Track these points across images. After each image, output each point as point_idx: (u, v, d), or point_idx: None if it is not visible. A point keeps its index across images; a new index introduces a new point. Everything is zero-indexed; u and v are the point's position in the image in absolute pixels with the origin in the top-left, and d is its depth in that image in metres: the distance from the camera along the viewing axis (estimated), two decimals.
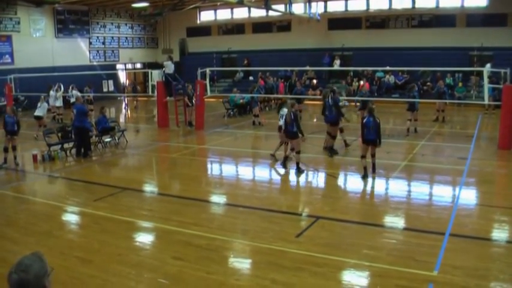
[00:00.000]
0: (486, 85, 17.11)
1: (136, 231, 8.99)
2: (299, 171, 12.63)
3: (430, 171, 13.28)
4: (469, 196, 10.95)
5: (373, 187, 11.79)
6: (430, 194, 11.20)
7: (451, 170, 13.08)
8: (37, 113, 19.55)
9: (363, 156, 11.99)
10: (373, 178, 11.98)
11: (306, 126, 20.58)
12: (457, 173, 12.59)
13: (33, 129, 19.56)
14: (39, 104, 19.72)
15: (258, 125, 21.27)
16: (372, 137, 11.73)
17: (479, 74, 25.12)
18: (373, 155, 11.99)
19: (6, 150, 14.31)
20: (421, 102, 22.35)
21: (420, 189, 11.55)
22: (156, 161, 16.03)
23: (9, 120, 14.43)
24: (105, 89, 34.81)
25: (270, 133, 18.87)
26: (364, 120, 11.88)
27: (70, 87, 24.93)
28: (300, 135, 12.77)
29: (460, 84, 27.69)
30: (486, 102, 18.70)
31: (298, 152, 12.73)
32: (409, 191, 11.50)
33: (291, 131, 12.68)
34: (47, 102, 21.54)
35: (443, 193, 11.19)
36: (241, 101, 24.42)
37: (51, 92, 23.39)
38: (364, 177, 11.92)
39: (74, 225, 9.65)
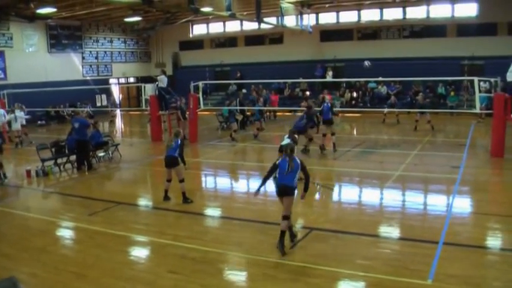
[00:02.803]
0: (477, 94, 17.23)
1: (131, 245, 8.97)
2: (187, 201, 11.39)
3: (423, 180, 13.33)
4: (462, 204, 11.00)
5: (367, 197, 11.83)
6: (424, 203, 11.25)
7: (444, 179, 13.11)
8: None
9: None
10: None
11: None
12: (451, 181, 12.63)
13: (27, 144, 19.66)
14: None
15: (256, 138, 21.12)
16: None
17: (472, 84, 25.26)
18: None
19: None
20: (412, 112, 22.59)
21: (414, 199, 11.61)
22: (150, 174, 16.01)
23: None
24: (98, 104, 34.83)
25: (265, 145, 18.89)
26: None
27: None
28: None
29: (452, 93, 27.87)
30: (478, 111, 18.83)
31: (182, 181, 11.48)
32: (403, 201, 11.55)
33: (172, 156, 11.44)
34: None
35: (436, 202, 11.23)
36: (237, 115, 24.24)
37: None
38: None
39: (68, 240, 9.61)
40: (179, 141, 11.52)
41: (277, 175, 8.30)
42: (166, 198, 11.67)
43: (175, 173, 11.50)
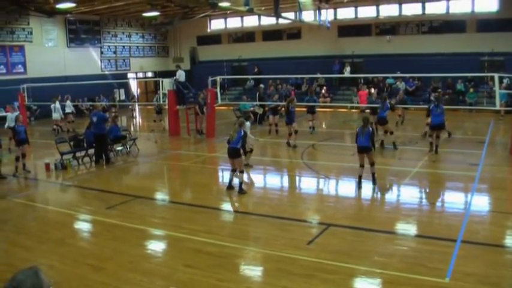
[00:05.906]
0: (497, 91, 17.00)
1: (148, 239, 9.03)
2: (241, 192, 11.70)
3: (441, 177, 13.23)
4: (481, 202, 10.87)
5: (384, 194, 11.75)
6: (442, 201, 11.14)
7: (463, 177, 13.00)
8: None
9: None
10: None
11: (316, 134, 20.59)
12: (469, 179, 12.50)
13: (47, 137, 20.03)
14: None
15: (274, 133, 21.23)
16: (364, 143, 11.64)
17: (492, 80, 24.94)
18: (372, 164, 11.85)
19: (18, 159, 14.48)
20: None
21: (431, 196, 11.51)
22: (168, 169, 16.09)
23: (21, 129, 14.71)
24: (116, 98, 35.05)
25: (282, 141, 18.86)
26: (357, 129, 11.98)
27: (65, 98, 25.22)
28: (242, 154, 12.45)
29: (471, 90, 27.53)
30: (497, 108, 18.59)
31: (241, 172, 11.90)
32: (421, 198, 11.48)
33: (235, 148, 11.88)
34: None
35: (455, 200, 11.15)
36: (251, 108, 24.38)
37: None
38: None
39: (86, 233, 9.72)
40: (242, 133, 11.90)
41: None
42: (230, 187, 11.96)
43: (236, 164, 11.80)
